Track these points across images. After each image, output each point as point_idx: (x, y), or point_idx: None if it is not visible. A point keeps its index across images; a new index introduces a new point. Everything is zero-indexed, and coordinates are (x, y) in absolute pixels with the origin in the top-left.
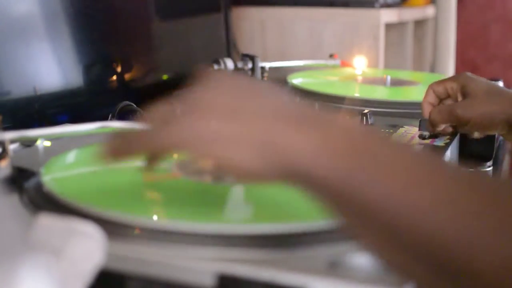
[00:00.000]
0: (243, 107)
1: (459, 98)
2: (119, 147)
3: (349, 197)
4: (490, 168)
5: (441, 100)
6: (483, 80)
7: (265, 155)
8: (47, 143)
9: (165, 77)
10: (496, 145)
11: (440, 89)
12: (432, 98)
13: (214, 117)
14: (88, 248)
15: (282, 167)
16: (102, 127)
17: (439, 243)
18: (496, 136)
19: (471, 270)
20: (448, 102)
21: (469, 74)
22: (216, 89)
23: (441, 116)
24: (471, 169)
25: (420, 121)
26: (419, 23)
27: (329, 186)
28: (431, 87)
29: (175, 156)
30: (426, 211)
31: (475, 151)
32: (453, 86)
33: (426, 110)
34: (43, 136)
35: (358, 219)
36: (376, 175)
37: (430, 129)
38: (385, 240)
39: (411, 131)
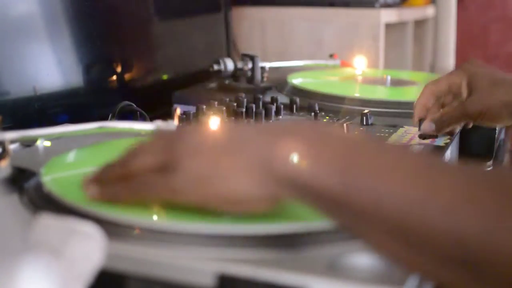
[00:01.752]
0: (228, 139)
1: (464, 93)
2: (110, 193)
3: (355, 204)
4: (490, 168)
5: (438, 98)
6: (486, 70)
7: (263, 177)
8: (47, 143)
9: (165, 77)
10: (496, 145)
11: (441, 87)
12: (427, 99)
13: (204, 153)
14: (88, 248)
15: (283, 182)
16: (102, 127)
17: (462, 241)
18: (496, 136)
19: (493, 264)
20: (448, 99)
21: (469, 66)
22: (194, 131)
23: (456, 119)
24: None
25: (419, 121)
26: (419, 23)
27: (331, 195)
28: (428, 88)
29: None
30: (447, 211)
31: (475, 151)
32: (456, 82)
33: (419, 112)
34: (43, 136)
35: (364, 223)
36: (383, 178)
37: (434, 132)
38: (395, 241)
39: (411, 131)
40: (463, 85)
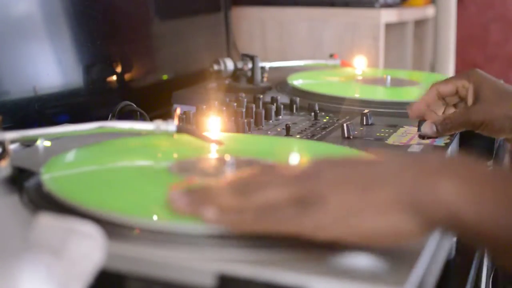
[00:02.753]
0: (374, 173)
1: (470, 98)
2: (235, 220)
3: (506, 236)
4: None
5: (443, 99)
6: (494, 81)
7: (417, 213)
8: (47, 143)
9: (165, 77)
10: (496, 145)
11: (448, 87)
12: (431, 98)
13: (351, 191)
14: (88, 248)
15: (437, 220)
16: (102, 127)
17: None
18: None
19: None
20: (453, 99)
21: (480, 72)
22: (333, 163)
23: (458, 124)
24: None
25: (419, 121)
26: (419, 23)
27: (493, 235)
28: (435, 87)
29: (175, 155)
30: None
31: (475, 151)
32: (464, 84)
33: (419, 107)
34: (43, 136)
35: None
36: None
37: (434, 134)
38: None
39: (411, 131)
40: (470, 91)
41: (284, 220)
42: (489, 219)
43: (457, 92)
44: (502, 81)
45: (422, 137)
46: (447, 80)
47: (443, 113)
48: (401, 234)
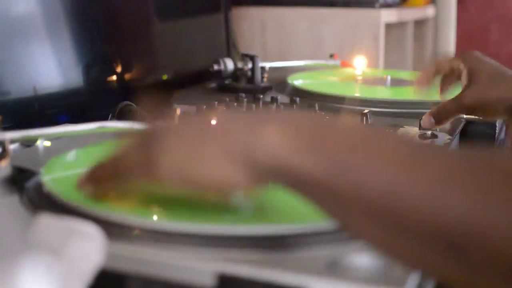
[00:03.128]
0: (209, 127)
1: (463, 80)
2: (95, 174)
3: (337, 188)
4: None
5: (440, 73)
6: (490, 62)
7: (245, 163)
8: (47, 143)
9: (165, 77)
10: (496, 144)
11: (444, 64)
12: (431, 70)
13: (185, 141)
14: (88, 248)
15: (265, 170)
16: (102, 127)
17: (447, 223)
18: (496, 136)
19: (485, 247)
20: (451, 79)
21: (476, 54)
22: (181, 120)
23: (451, 112)
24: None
25: (420, 121)
26: (419, 23)
27: (313, 182)
28: (435, 59)
29: None
30: (430, 191)
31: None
32: (458, 67)
33: (425, 78)
34: (43, 136)
35: (346, 208)
36: (364, 159)
37: (433, 125)
38: (376, 225)
39: (411, 131)
40: (464, 72)
41: (126, 171)
42: (306, 165)
43: (452, 70)
44: (498, 64)
45: (422, 137)
46: (444, 59)
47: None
48: (229, 183)
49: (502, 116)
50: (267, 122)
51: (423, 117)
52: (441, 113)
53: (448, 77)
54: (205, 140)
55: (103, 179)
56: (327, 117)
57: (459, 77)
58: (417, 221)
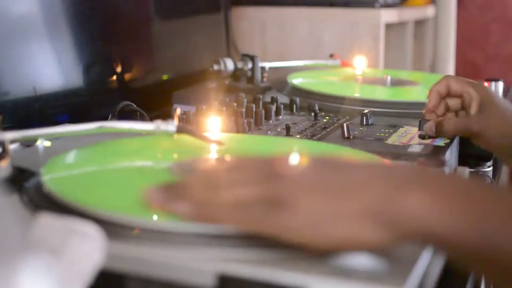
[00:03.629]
0: (347, 181)
1: (474, 107)
2: (207, 214)
3: (495, 251)
4: (490, 168)
5: (444, 97)
6: (501, 98)
7: (385, 224)
8: (47, 143)
9: (165, 77)
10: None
11: (457, 88)
12: (444, 90)
13: (322, 197)
14: (88, 248)
15: (407, 232)
16: (102, 127)
17: None
18: None
19: None
20: (455, 102)
21: (488, 87)
22: (306, 166)
23: (456, 130)
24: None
25: (420, 121)
26: (419, 23)
27: (467, 246)
28: (448, 80)
29: (175, 156)
30: None
31: (475, 151)
32: (471, 92)
33: (434, 100)
34: (43, 136)
35: (495, 267)
36: (505, 224)
37: (435, 135)
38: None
39: (411, 131)
40: (475, 100)
41: (251, 218)
42: (459, 230)
43: (461, 96)
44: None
45: (422, 137)
46: (459, 80)
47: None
48: (364, 244)
49: (503, 151)
50: (411, 185)
51: (428, 123)
52: (444, 128)
53: (453, 100)
54: (344, 197)
55: (190, 199)
56: (465, 179)
57: (464, 103)
58: None
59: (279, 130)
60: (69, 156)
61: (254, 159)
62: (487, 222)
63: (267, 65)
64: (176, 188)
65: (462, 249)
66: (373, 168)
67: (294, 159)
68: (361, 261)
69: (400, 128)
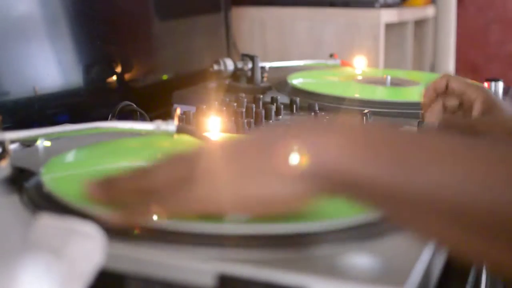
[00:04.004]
0: (254, 144)
1: (477, 109)
2: (114, 183)
3: (405, 192)
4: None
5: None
6: (501, 100)
7: (305, 174)
8: (47, 143)
9: (165, 77)
10: None
11: (456, 86)
12: (441, 87)
13: (230, 162)
14: (88, 248)
15: (327, 180)
16: (101, 127)
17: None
18: None
19: None
20: (452, 101)
21: (488, 91)
22: (214, 145)
23: (457, 128)
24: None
25: (418, 122)
26: (419, 23)
27: (381, 187)
28: (447, 77)
29: None
30: (482, 185)
31: None
32: (472, 94)
33: (429, 95)
34: (43, 136)
35: (412, 210)
36: (429, 165)
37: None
38: (445, 225)
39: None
40: (478, 101)
41: (172, 199)
42: (382, 175)
43: (461, 97)
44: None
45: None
46: (458, 78)
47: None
48: (286, 198)
49: None
50: (327, 132)
51: (429, 112)
52: (447, 123)
53: (451, 99)
54: (253, 154)
55: (122, 190)
56: (382, 125)
57: (464, 104)
58: (476, 214)
59: None
60: (69, 156)
61: (179, 154)
62: (407, 164)
63: (267, 65)
64: (109, 181)
65: (373, 192)
66: (274, 128)
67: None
68: (361, 261)
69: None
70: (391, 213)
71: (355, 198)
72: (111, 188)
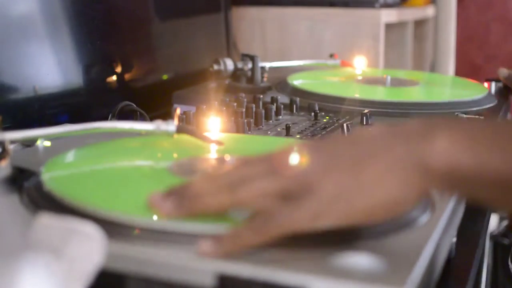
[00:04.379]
0: (358, 150)
1: None
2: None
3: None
4: None
5: None
6: None
7: (413, 175)
8: (47, 143)
9: (165, 77)
10: None
11: None
12: None
13: (340, 172)
14: (88, 248)
15: (437, 176)
16: (101, 127)
17: None
18: None
19: None
20: None
21: None
22: (314, 150)
23: None
24: None
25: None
26: (419, 23)
27: (496, 177)
28: None
29: (175, 155)
30: None
31: None
32: None
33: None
34: (43, 136)
35: None
36: None
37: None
38: None
39: None
40: None
41: (278, 221)
42: (487, 166)
43: None
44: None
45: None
46: None
47: None
48: (400, 201)
49: None
50: (429, 132)
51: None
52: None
53: None
54: (364, 164)
55: (206, 205)
56: (478, 120)
57: None
58: None
59: (279, 130)
60: (69, 156)
61: (255, 157)
62: (506, 151)
63: (267, 65)
64: (183, 192)
65: (489, 184)
66: (379, 131)
67: (294, 151)
68: (361, 261)
69: None
70: (500, 200)
71: (466, 192)
72: (190, 203)
